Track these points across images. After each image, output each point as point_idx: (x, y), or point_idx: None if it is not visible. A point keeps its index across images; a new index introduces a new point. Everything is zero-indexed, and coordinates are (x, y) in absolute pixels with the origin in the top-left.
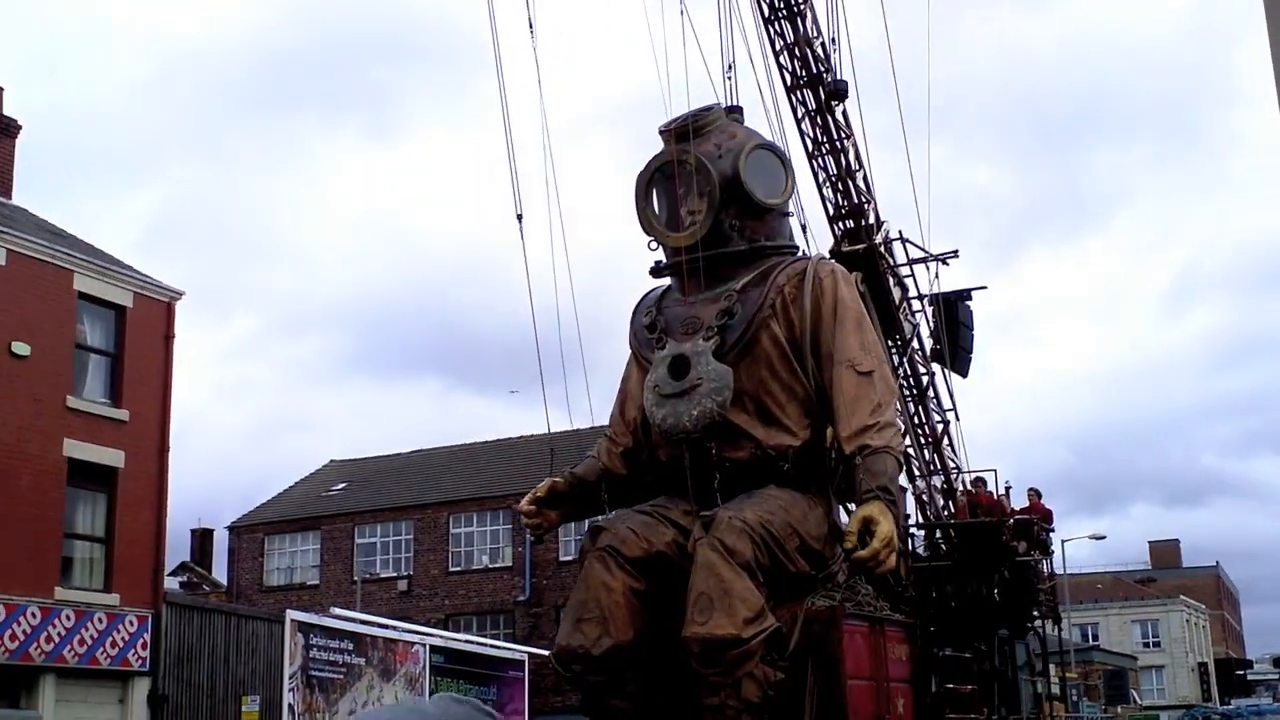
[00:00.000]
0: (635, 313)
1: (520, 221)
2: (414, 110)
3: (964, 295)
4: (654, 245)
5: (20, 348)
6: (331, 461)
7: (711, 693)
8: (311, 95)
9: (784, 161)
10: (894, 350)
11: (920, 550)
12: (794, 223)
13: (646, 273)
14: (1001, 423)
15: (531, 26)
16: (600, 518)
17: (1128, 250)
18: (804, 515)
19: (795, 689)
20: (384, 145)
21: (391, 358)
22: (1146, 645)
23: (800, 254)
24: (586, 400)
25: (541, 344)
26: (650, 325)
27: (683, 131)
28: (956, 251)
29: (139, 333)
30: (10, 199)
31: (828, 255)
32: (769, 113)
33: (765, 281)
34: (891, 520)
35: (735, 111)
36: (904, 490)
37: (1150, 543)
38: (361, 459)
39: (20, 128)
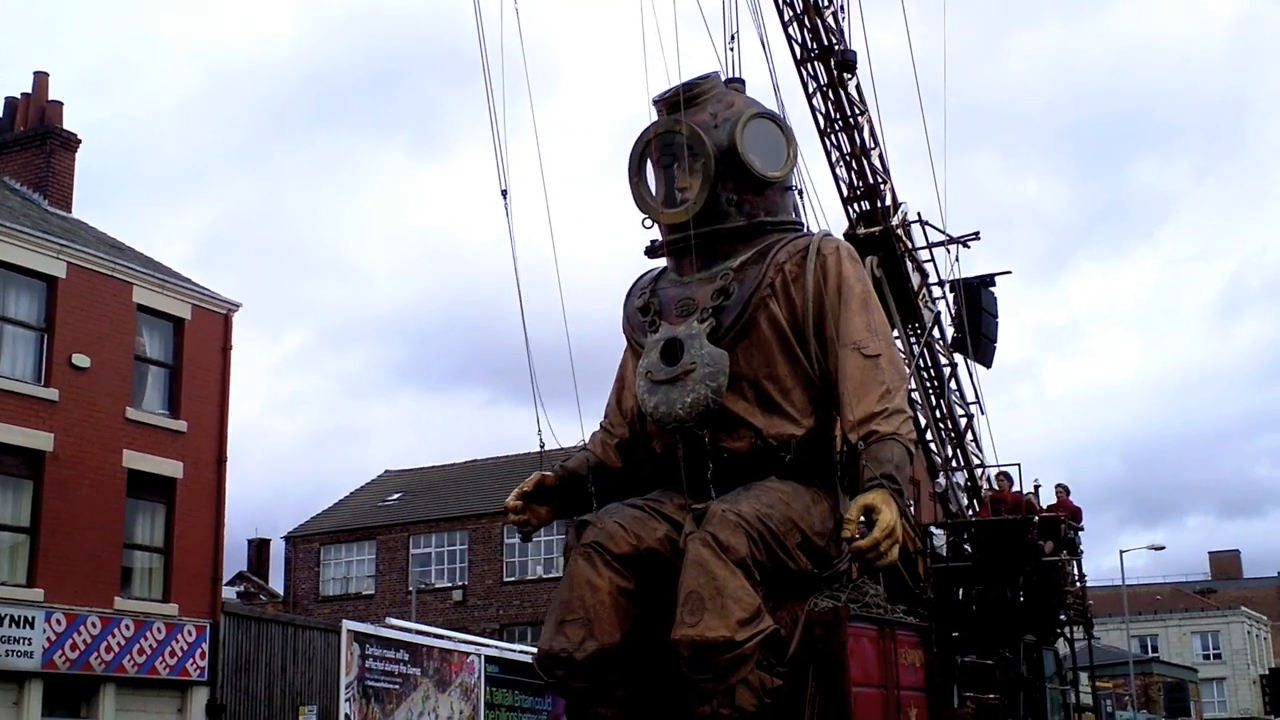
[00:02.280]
0: (629, 296)
1: (505, 197)
2: (460, 127)
3: (987, 280)
4: (649, 223)
5: (80, 360)
6: (387, 471)
7: (703, 700)
8: (360, 112)
9: (785, 131)
10: (913, 339)
11: (940, 549)
12: (803, 197)
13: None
14: (1054, 433)
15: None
16: (588, 514)
17: (1174, 261)
18: (807, 509)
19: (795, 697)
20: (431, 161)
21: (440, 369)
22: (1207, 657)
23: (804, 231)
24: (575, 402)
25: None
26: (644, 308)
27: (676, 101)
28: (978, 233)
29: (197, 344)
30: (70, 212)
31: (832, 233)
32: (775, 87)
33: (764, 259)
34: (895, 509)
35: (737, 83)
36: (935, 489)
37: (1210, 553)
38: (416, 469)
39: (80, 142)
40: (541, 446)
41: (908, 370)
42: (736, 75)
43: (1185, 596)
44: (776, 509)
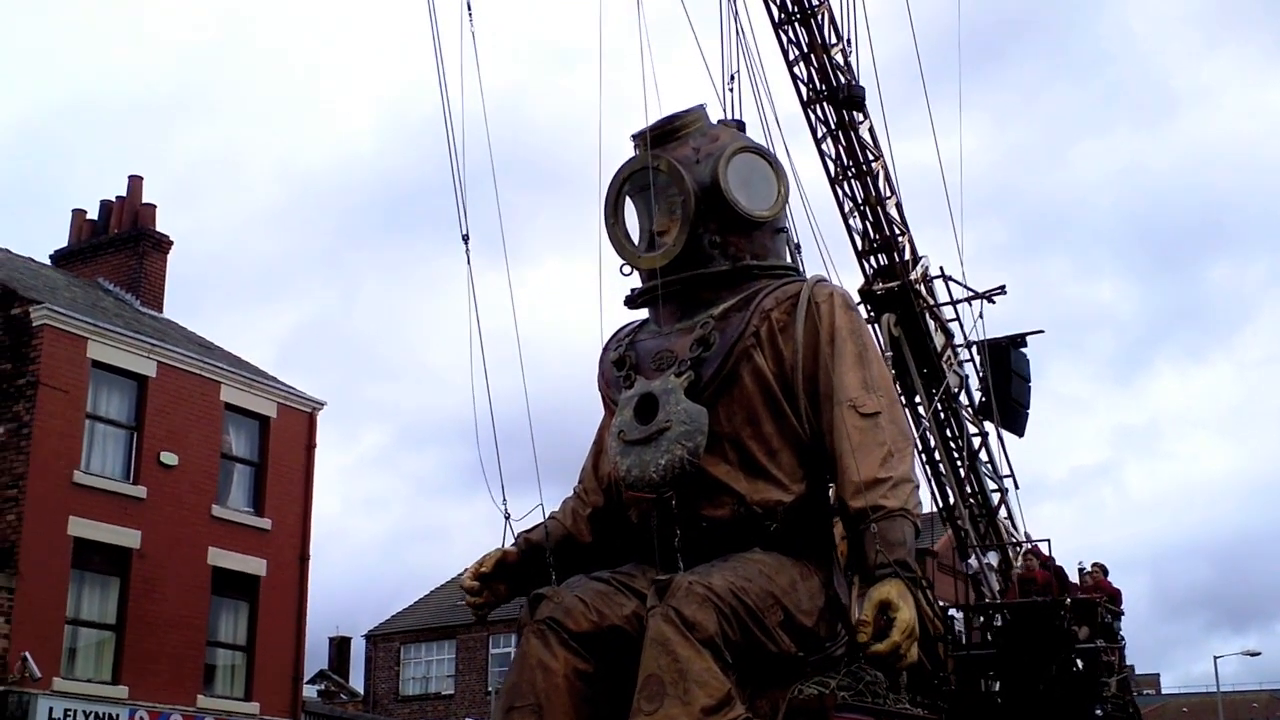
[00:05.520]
0: (605, 350)
1: (466, 243)
2: (532, 233)
3: (1018, 340)
4: (627, 270)
5: (169, 458)
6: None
7: None
8: (435, 218)
9: (775, 167)
10: (937, 404)
11: (964, 636)
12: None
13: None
14: (1138, 535)
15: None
16: (545, 588)
17: (1253, 364)
18: (793, 584)
19: None
20: (504, 266)
21: (516, 470)
22: None
23: (798, 276)
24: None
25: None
26: (619, 361)
27: (656, 135)
28: (1004, 287)
29: (282, 443)
30: (161, 313)
31: (827, 278)
32: (764, 129)
33: (749, 306)
34: (913, 604)
35: (736, 124)
36: (970, 569)
37: None
38: None
39: (171, 244)
40: (506, 517)
41: (912, 431)
42: (736, 117)
43: None
44: (755, 582)
